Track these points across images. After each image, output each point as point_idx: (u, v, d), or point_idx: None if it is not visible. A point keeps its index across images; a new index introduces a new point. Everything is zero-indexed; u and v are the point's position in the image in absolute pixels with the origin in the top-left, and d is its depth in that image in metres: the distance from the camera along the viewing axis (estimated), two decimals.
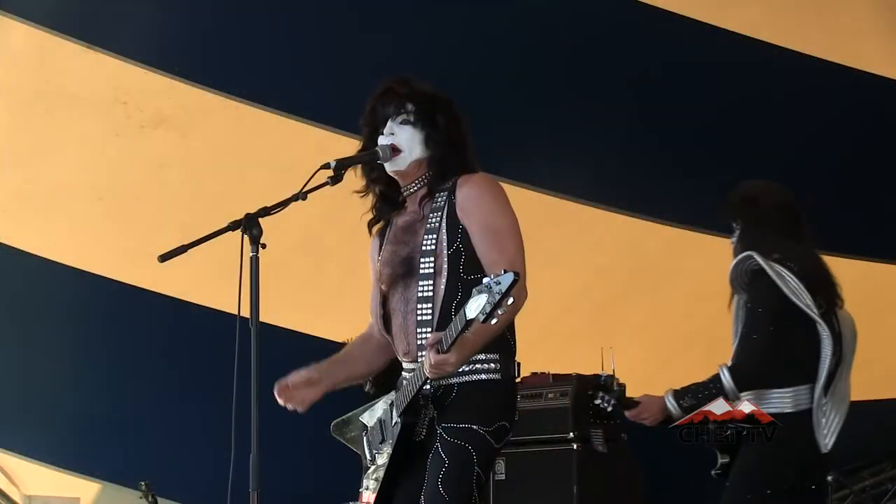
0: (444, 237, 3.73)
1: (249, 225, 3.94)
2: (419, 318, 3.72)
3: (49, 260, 7.32)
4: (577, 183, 7.23)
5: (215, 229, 4.09)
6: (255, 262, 3.92)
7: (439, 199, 3.78)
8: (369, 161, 3.94)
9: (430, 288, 3.70)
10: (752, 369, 4.79)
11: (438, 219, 3.76)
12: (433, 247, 3.73)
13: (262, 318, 3.89)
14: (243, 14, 6.73)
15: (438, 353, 3.51)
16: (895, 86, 6.86)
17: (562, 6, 6.72)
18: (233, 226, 4.05)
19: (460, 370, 3.64)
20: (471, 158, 3.87)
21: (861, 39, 6.86)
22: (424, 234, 3.76)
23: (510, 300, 3.28)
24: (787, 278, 4.82)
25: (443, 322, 3.62)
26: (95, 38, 6.62)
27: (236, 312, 4.12)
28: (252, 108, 6.80)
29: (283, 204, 4.08)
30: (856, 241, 7.47)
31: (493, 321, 3.32)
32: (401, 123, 3.86)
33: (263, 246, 4.01)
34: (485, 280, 3.31)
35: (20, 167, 7.09)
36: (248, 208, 4.06)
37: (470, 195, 3.74)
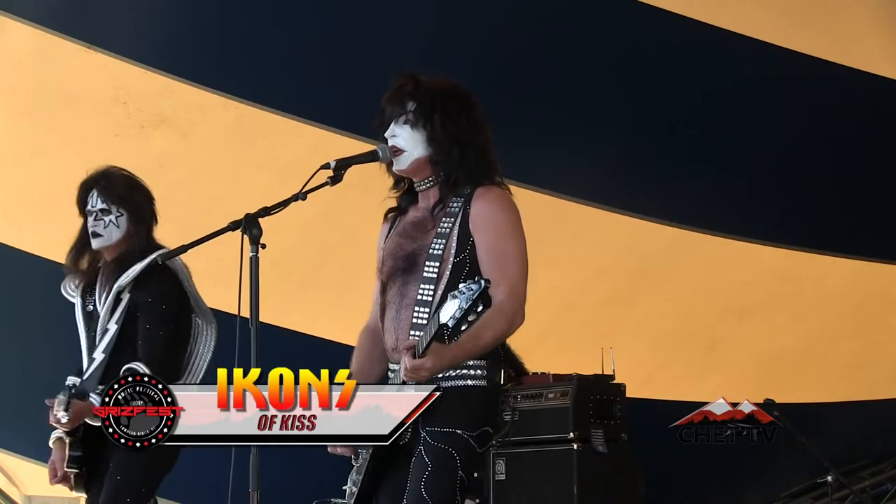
0: (454, 245, 3.73)
1: (249, 225, 3.94)
2: (414, 320, 3.72)
3: (49, 260, 7.30)
4: (577, 183, 7.23)
5: (215, 229, 4.10)
6: (254, 262, 3.93)
7: (454, 205, 3.77)
8: (369, 161, 3.94)
9: (431, 292, 3.70)
10: (159, 366, 4.63)
11: (450, 225, 3.75)
12: (440, 252, 3.72)
13: (262, 318, 3.89)
14: (243, 14, 6.73)
15: (414, 357, 3.53)
16: (895, 86, 6.86)
17: (561, 5, 6.72)
18: (233, 226, 4.05)
19: (446, 375, 3.65)
20: (484, 158, 3.83)
21: (861, 39, 6.86)
22: (434, 238, 3.75)
23: (480, 307, 3.35)
24: (190, 278, 4.84)
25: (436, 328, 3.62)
26: (95, 38, 6.62)
27: (236, 312, 4.13)
28: (252, 108, 6.80)
29: (283, 204, 4.08)
30: (856, 241, 7.47)
31: (464, 327, 3.39)
32: (403, 123, 3.85)
33: (263, 246, 4.01)
34: (460, 286, 3.37)
35: (20, 167, 7.09)
36: (248, 208, 4.06)
37: (484, 211, 3.73)
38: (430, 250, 3.74)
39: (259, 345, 3.83)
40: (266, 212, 4.11)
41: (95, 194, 4.96)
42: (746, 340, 7.79)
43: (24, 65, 6.78)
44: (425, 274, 3.73)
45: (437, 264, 3.72)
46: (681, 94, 6.93)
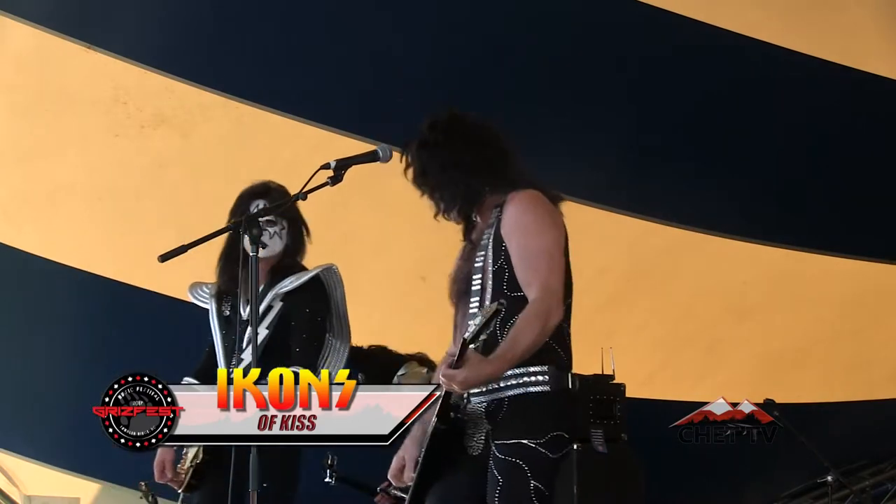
0: (490, 255, 3.77)
1: (249, 225, 3.95)
2: (468, 332, 3.73)
3: (49, 260, 7.31)
4: (577, 183, 7.22)
5: (215, 229, 4.10)
6: (254, 261, 3.93)
7: (492, 217, 3.82)
8: (369, 161, 3.96)
9: (477, 303, 3.75)
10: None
11: (488, 237, 3.80)
12: (481, 264, 3.78)
13: None
14: (243, 14, 6.73)
15: (450, 367, 3.57)
16: (895, 86, 6.86)
17: (562, 5, 6.72)
18: (233, 226, 4.06)
19: (508, 384, 3.68)
20: (491, 169, 3.86)
21: (861, 39, 6.86)
22: (477, 252, 3.81)
23: (488, 330, 3.48)
24: (343, 294, 4.97)
25: (488, 338, 3.65)
26: (95, 38, 6.62)
27: None
28: (252, 108, 6.80)
29: (283, 204, 4.09)
30: (855, 240, 7.47)
31: (474, 345, 3.49)
32: (428, 197, 3.88)
33: (263, 246, 4.02)
34: (486, 304, 3.50)
35: (20, 167, 7.09)
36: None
37: (511, 215, 3.77)
38: (475, 264, 3.81)
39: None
40: (266, 212, 4.12)
41: (262, 206, 4.93)
42: (746, 340, 7.79)
43: (24, 65, 6.77)
44: (473, 287, 3.79)
45: (480, 276, 3.78)
46: (681, 93, 6.93)
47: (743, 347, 7.81)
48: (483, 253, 3.78)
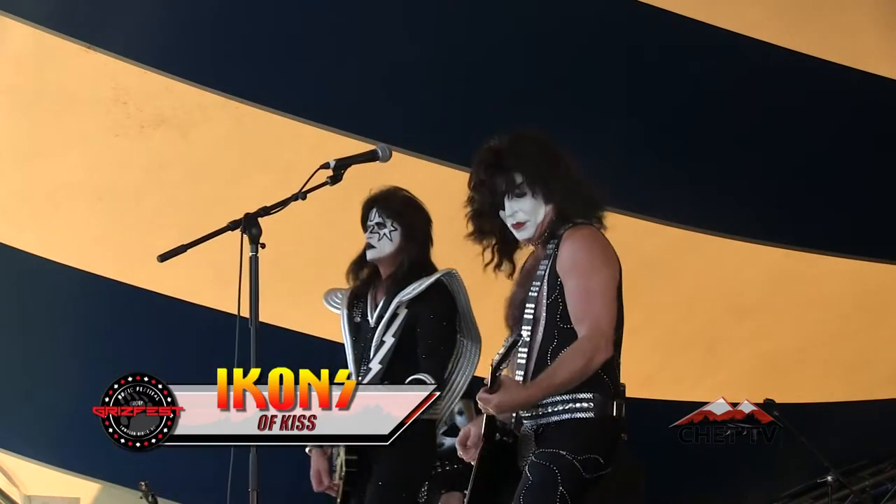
0: (546, 287, 3.81)
1: (249, 225, 3.96)
2: (518, 360, 3.80)
3: (49, 260, 7.31)
4: None
5: (215, 229, 4.10)
6: (254, 261, 3.94)
7: (549, 248, 3.86)
8: (368, 161, 3.96)
9: (529, 333, 3.79)
10: (439, 381, 4.80)
11: (545, 269, 3.83)
12: (535, 294, 3.82)
13: (262, 318, 3.90)
14: (243, 14, 6.73)
15: (486, 391, 3.63)
16: (895, 85, 6.86)
17: (562, 6, 6.72)
18: (232, 225, 4.06)
19: (555, 409, 3.74)
20: (571, 194, 3.90)
21: (861, 39, 6.86)
22: (533, 281, 3.85)
23: (508, 360, 3.59)
24: (467, 297, 4.92)
25: (539, 365, 3.74)
26: (95, 38, 6.62)
27: (236, 312, 4.14)
28: (252, 108, 6.80)
29: (283, 204, 4.09)
30: (855, 240, 7.47)
31: (497, 373, 3.59)
32: (517, 197, 3.87)
33: (263, 245, 4.03)
34: (539, 333, 3.66)
35: (20, 167, 7.09)
36: (248, 208, 4.07)
37: (568, 252, 3.81)
38: (529, 293, 3.84)
39: (259, 345, 3.83)
40: (266, 211, 4.12)
41: (375, 210, 4.97)
42: (746, 340, 7.79)
43: (24, 65, 6.77)
44: (525, 316, 3.82)
45: (534, 306, 3.81)
46: (681, 94, 6.93)
47: (743, 347, 7.81)
48: (538, 284, 3.82)
